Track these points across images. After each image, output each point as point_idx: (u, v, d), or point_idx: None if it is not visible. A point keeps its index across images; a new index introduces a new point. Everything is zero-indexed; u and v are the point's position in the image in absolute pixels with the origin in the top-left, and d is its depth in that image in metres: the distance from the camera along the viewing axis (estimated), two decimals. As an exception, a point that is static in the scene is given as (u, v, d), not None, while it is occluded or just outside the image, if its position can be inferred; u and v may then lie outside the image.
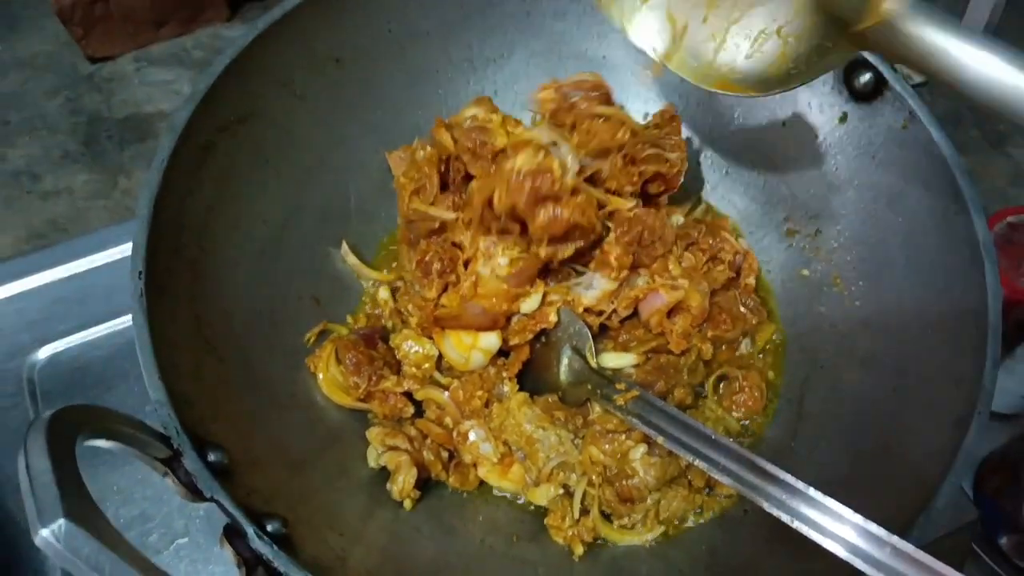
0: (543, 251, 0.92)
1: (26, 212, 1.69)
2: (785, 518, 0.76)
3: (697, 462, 0.82)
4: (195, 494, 0.71)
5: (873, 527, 0.72)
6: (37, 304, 1.19)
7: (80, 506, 0.55)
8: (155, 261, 0.82)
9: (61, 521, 0.53)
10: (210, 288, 0.90)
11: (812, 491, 0.76)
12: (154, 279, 0.81)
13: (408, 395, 0.98)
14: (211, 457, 0.74)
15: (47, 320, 1.17)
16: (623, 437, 0.92)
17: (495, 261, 0.94)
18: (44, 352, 1.15)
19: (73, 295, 1.20)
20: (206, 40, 1.86)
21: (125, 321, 1.18)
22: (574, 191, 0.90)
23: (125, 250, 1.22)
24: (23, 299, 1.19)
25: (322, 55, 1.03)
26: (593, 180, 0.96)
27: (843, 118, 1.04)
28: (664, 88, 1.17)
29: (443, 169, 1.05)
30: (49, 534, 0.53)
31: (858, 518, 0.73)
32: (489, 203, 0.91)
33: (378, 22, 1.06)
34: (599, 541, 0.93)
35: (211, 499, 0.71)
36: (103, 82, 1.85)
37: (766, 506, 0.77)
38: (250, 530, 0.69)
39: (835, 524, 0.74)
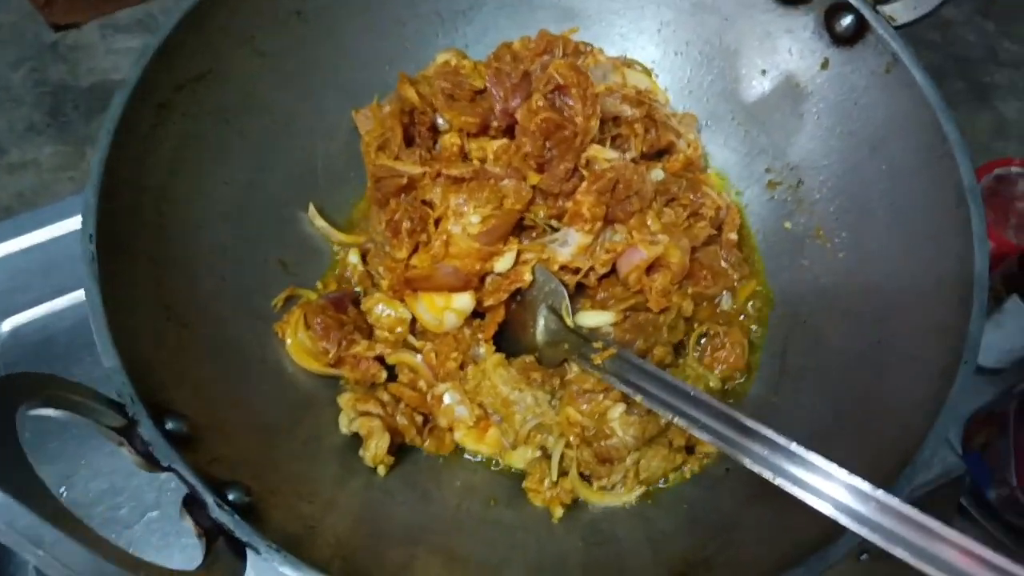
0: (531, 177, 0.90)
1: (-8, 186, 1.64)
2: (767, 475, 0.74)
3: (677, 420, 0.79)
4: (152, 463, 0.69)
5: (857, 481, 0.70)
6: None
7: (18, 478, 0.53)
8: (110, 225, 0.78)
9: (-5, 491, 0.50)
10: (172, 252, 0.87)
11: (794, 446, 0.73)
12: (110, 243, 0.77)
13: (380, 359, 0.96)
14: (169, 425, 0.71)
15: (9, 292, 1.14)
16: (600, 397, 0.89)
17: (466, 219, 0.91)
18: (7, 325, 1.12)
19: (36, 266, 1.16)
20: (172, 5, 1.79)
21: (90, 291, 1.14)
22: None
23: (90, 219, 1.18)
24: (-17, 271, 1.15)
25: (283, 8, 0.99)
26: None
27: (824, 64, 1.00)
28: (639, 36, 1.13)
29: (408, 123, 1.01)
30: (-20, 506, 0.50)
31: (842, 473, 0.70)
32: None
33: (341, -28, 1.02)
34: (578, 503, 0.90)
35: (168, 468, 0.68)
36: (68, 51, 1.80)
37: (747, 463, 0.75)
38: (209, 499, 0.67)
39: (818, 479, 0.71)
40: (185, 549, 0.99)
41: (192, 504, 0.68)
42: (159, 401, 0.72)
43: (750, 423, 0.76)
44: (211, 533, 0.67)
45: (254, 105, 0.99)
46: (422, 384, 0.95)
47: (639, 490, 0.89)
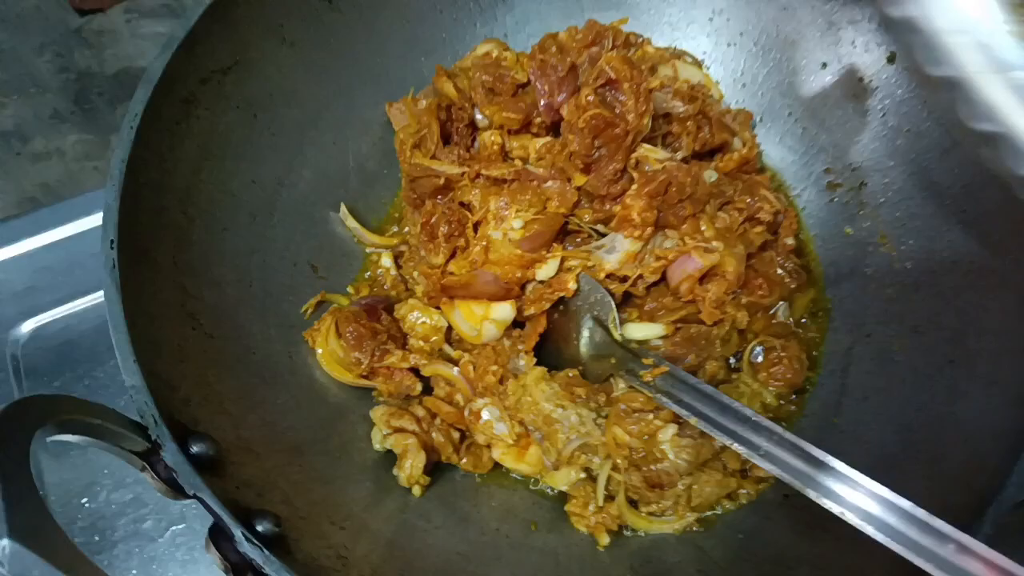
0: (577, 178, 0.84)
1: (16, 176, 1.61)
2: (835, 509, 0.68)
3: (735, 446, 0.73)
4: (176, 491, 0.64)
5: (938, 523, 0.64)
6: (20, 274, 1.11)
7: (30, 520, 0.48)
8: (133, 228, 0.74)
9: (5, 542, 0.45)
10: (196, 257, 0.82)
11: (865, 479, 0.68)
12: (132, 248, 0.73)
13: (415, 371, 0.90)
14: (195, 448, 0.66)
15: (31, 291, 1.10)
16: (650, 416, 0.83)
17: (507, 223, 0.85)
18: (28, 325, 1.08)
19: (58, 264, 1.12)
20: (199, -11, 1.74)
21: (114, 291, 1.10)
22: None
23: (115, 215, 1.14)
24: (4, 268, 1.11)
25: (314, -4, 0.94)
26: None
27: (891, 58, 0.94)
28: (690, 26, 1.06)
29: (445, 119, 0.95)
30: (-8, 555, 0.45)
31: (921, 512, 0.64)
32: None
33: (376, -42, 0.96)
34: (625, 529, 0.85)
35: (194, 496, 0.63)
36: (93, 36, 1.76)
37: (813, 495, 0.69)
38: (237, 532, 0.62)
39: (891, 516, 0.66)
40: (212, 566, 0.94)
41: (218, 535, 0.63)
42: (183, 421, 0.68)
43: (816, 452, 0.70)
44: (238, 569, 0.62)
45: (282, 99, 0.94)
46: (459, 398, 0.90)
47: (691, 517, 0.84)
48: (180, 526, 0.97)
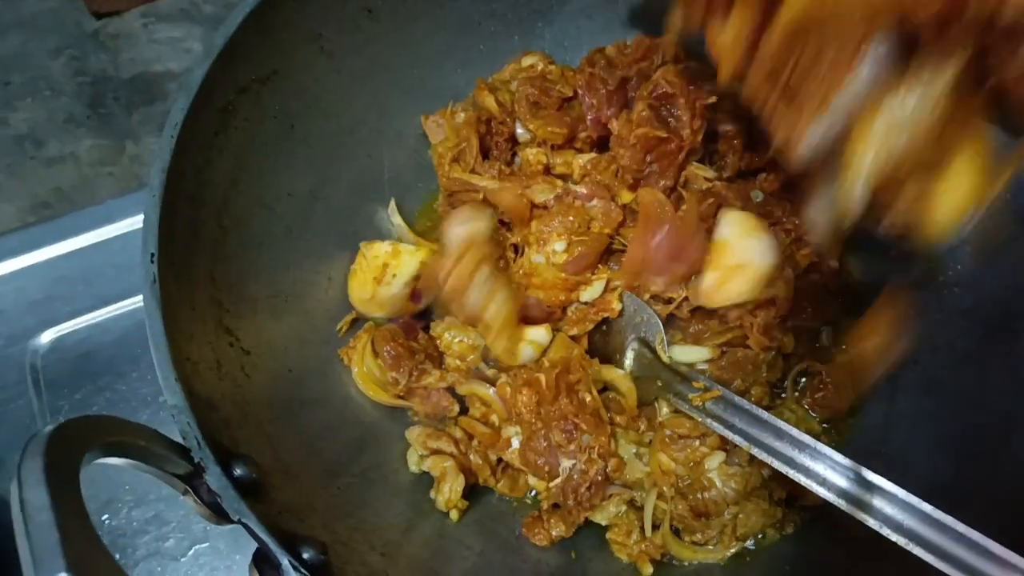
0: (624, 195, 0.82)
1: (30, 180, 1.58)
2: (893, 537, 0.66)
3: (792, 474, 0.71)
4: (220, 516, 0.61)
5: (996, 547, 0.62)
6: (39, 283, 1.08)
7: (86, 552, 0.45)
8: (170, 241, 0.71)
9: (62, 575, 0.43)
10: (233, 271, 0.80)
11: (923, 504, 0.66)
12: (169, 261, 0.70)
13: (450, 389, 0.88)
14: (237, 471, 0.63)
15: (49, 300, 1.07)
16: (696, 443, 0.81)
17: (550, 247, 0.83)
18: (47, 336, 1.05)
19: (78, 273, 1.09)
20: (216, -6, 1.73)
21: (135, 302, 1.07)
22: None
23: (132, 224, 1.12)
24: (23, 277, 1.08)
25: (353, 6, 0.91)
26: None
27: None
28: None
29: (484, 132, 0.93)
30: (48, 592, 0.43)
31: (977, 536, 0.63)
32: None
33: (416, -32, 0.94)
34: (668, 559, 0.83)
35: (238, 522, 0.61)
36: (109, 40, 1.74)
37: (873, 524, 0.67)
38: (284, 560, 0.59)
39: (948, 541, 0.64)
40: (235, 587, 0.92)
41: (263, 563, 0.61)
42: (225, 442, 0.65)
43: (876, 479, 0.69)
44: (285, 598, 0.59)
45: (319, 109, 0.92)
46: (494, 419, 0.87)
47: (736, 547, 0.81)
48: (203, 545, 0.94)
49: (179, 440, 0.62)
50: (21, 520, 0.45)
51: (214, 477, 0.61)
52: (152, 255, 0.69)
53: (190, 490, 0.62)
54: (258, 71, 0.84)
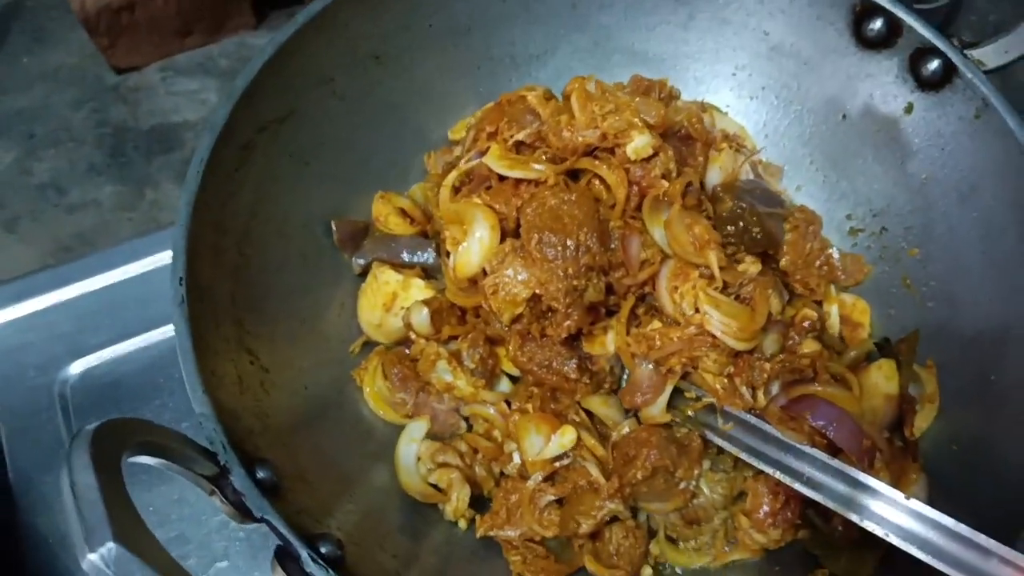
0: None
1: (52, 226, 1.65)
2: (879, 531, 0.70)
3: (779, 475, 0.76)
4: (244, 514, 0.67)
5: (981, 538, 0.66)
6: (67, 318, 1.14)
7: (130, 527, 0.51)
8: (196, 266, 0.77)
9: (111, 545, 0.48)
10: (253, 294, 0.86)
11: (907, 500, 0.70)
12: (195, 285, 0.76)
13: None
14: (260, 474, 0.69)
15: (78, 334, 1.13)
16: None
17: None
18: (76, 367, 1.11)
19: (103, 308, 1.15)
20: (232, 49, 1.83)
21: (157, 334, 1.14)
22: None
23: (154, 262, 1.18)
24: (53, 312, 1.14)
25: (362, 52, 0.99)
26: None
27: (909, 108, 0.98)
28: (714, 80, 1.12)
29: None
30: (98, 558, 0.48)
31: (964, 529, 0.66)
32: None
33: (419, 17, 1.02)
34: (664, 567, 0.87)
35: (262, 519, 0.66)
36: (129, 92, 1.83)
37: (855, 519, 0.72)
38: (304, 552, 0.64)
39: (933, 533, 0.68)
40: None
41: (284, 557, 0.65)
42: (248, 449, 0.71)
43: (860, 476, 0.73)
44: (304, 589, 0.64)
45: (331, 147, 0.99)
46: (497, 434, 0.92)
47: (728, 550, 0.85)
48: (223, 563, 0.98)
49: (207, 446, 0.68)
50: (72, 501, 0.51)
51: (239, 478, 0.66)
52: (180, 278, 0.75)
53: (216, 490, 0.67)
54: (276, 112, 0.91)
